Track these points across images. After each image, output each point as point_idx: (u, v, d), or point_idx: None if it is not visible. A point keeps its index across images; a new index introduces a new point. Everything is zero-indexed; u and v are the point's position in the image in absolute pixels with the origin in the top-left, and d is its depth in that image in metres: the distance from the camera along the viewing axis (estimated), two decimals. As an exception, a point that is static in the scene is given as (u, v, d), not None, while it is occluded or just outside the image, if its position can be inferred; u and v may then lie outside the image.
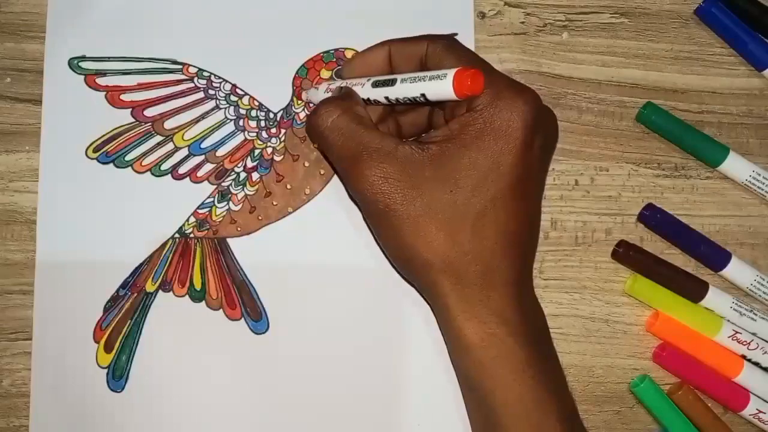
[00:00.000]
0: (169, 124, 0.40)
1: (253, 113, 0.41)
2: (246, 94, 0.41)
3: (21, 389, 0.39)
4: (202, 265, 0.40)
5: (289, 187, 0.40)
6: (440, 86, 0.33)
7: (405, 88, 0.34)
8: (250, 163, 0.41)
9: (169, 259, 0.40)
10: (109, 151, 0.40)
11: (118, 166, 0.40)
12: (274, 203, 0.40)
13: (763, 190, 0.41)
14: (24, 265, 0.39)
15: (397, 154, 0.34)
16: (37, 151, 0.40)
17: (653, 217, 0.41)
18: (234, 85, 0.41)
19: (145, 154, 0.40)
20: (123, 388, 0.39)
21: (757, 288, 0.41)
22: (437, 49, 0.35)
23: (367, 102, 0.36)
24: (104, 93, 0.40)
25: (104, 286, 0.39)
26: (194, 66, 0.41)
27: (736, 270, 0.41)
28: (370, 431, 0.39)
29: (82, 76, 0.40)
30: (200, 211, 0.40)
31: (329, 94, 0.38)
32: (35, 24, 0.40)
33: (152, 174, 0.40)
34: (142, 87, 0.40)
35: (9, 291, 0.39)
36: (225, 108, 0.41)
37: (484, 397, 0.34)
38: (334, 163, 0.37)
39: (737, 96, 0.43)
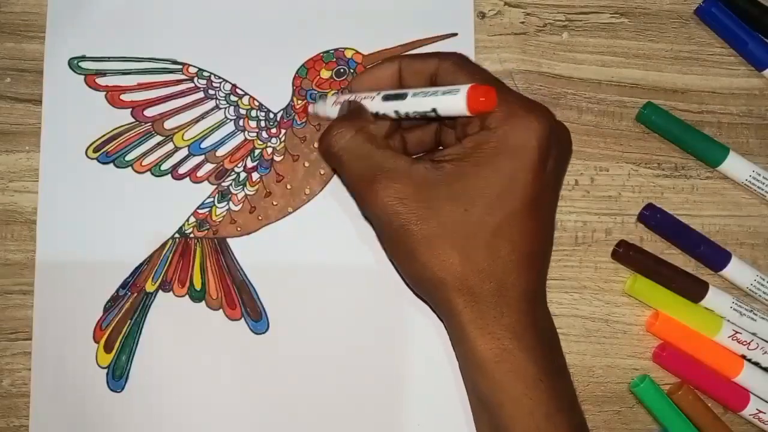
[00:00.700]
0: (169, 124, 0.40)
1: (253, 113, 0.41)
2: (246, 94, 0.41)
3: (21, 389, 0.39)
4: (202, 265, 0.40)
5: (289, 187, 0.40)
6: (453, 101, 0.32)
7: (416, 102, 0.34)
8: (250, 163, 0.41)
9: (169, 259, 0.40)
10: (109, 151, 0.40)
11: (118, 166, 0.40)
12: (274, 203, 0.40)
13: (763, 190, 0.41)
14: (24, 265, 0.39)
15: (412, 173, 0.33)
16: (37, 151, 0.40)
17: (653, 217, 0.41)
18: (234, 85, 0.41)
19: (145, 154, 0.40)
20: (123, 388, 0.39)
21: (757, 288, 0.41)
22: (448, 66, 0.35)
23: (376, 116, 0.36)
24: (104, 93, 0.40)
25: (104, 286, 0.39)
26: (194, 66, 0.41)
27: (736, 270, 0.41)
28: (370, 431, 0.39)
29: (82, 76, 0.40)
30: (200, 211, 0.40)
31: (337, 108, 0.37)
32: (35, 24, 0.40)
33: (152, 174, 0.40)
34: (142, 87, 0.40)
35: (9, 291, 0.39)
36: (225, 108, 0.41)
37: (495, 412, 0.33)
38: (348, 184, 0.36)
39: (737, 96, 0.43)
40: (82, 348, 0.39)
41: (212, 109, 0.41)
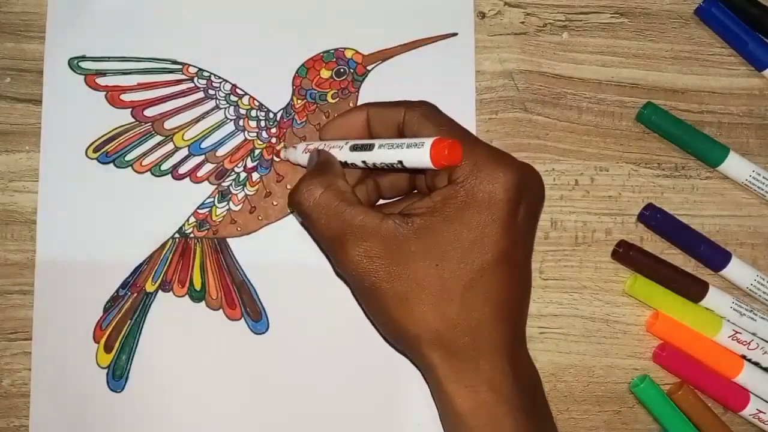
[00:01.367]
0: (169, 124, 0.40)
1: (253, 113, 0.41)
2: (246, 94, 0.41)
3: (21, 389, 0.39)
4: (202, 265, 0.40)
5: (289, 187, 0.40)
6: (417, 155, 0.32)
7: (382, 154, 0.33)
8: (250, 163, 0.41)
9: (169, 259, 0.40)
10: (109, 151, 0.40)
11: (118, 166, 0.40)
12: (274, 203, 0.40)
13: (763, 190, 0.41)
14: (24, 265, 0.39)
15: (381, 230, 0.33)
16: (37, 151, 0.40)
17: (653, 217, 0.41)
18: (234, 85, 0.41)
19: (145, 154, 0.40)
20: (123, 388, 0.39)
21: (757, 288, 0.41)
22: (414, 117, 0.35)
23: (345, 165, 0.35)
24: (104, 93, 0.40)
25: (104, 286, 0.39)
26: (194, 66, 0.41)
27: (736, 270, 0.41)
28: (370, 431, 0.39)
29: (82, 76, 0.40)
30: (200, 211, 0.40)
31: (307, 155, 0.37)
32: (35, 24, 0.40)
33: (152, 174, 0.40)
34: (142, 87, 0.40)
35: (9, 291, 0.39)
36: (225, 108, 0.41)
37: None
38: (319, 241, 0.36)
39: (737, 96, 0.43)
40: (82, 348, 0.39)
41: (212, 109, 0.41)
